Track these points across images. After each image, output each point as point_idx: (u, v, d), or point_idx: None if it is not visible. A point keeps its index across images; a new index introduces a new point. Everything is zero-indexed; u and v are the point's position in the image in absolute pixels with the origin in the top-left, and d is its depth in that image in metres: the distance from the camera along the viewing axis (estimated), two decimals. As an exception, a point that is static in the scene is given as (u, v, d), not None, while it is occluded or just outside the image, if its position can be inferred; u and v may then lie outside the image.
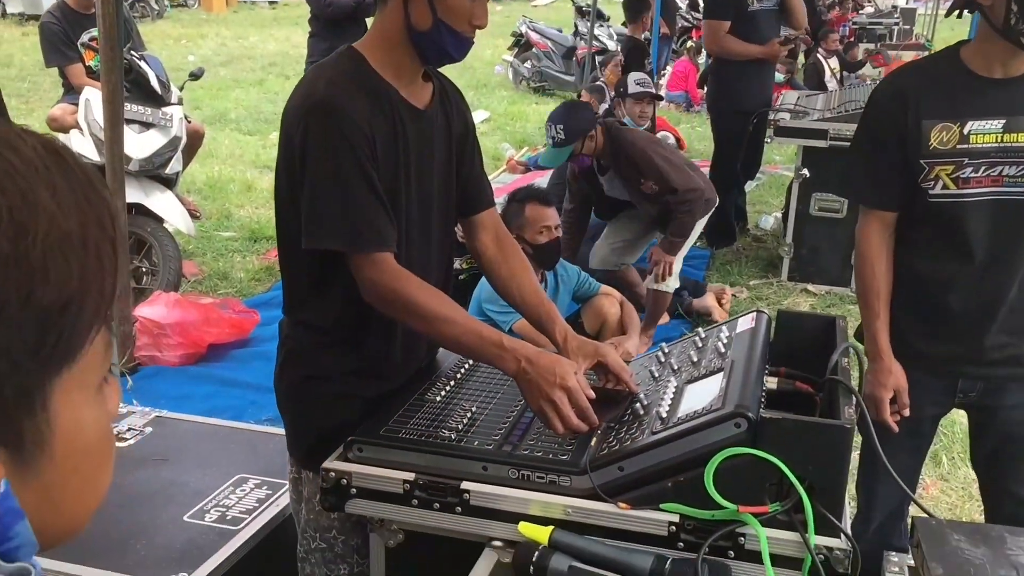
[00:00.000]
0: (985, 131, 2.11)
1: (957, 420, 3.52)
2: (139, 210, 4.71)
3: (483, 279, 3.99)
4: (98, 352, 0.55)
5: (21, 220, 0.48)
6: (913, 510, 2.43)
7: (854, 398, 1.66)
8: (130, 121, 4.53)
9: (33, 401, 0.51)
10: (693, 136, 9.96)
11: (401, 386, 1.98)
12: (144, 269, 4.81)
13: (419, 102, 1.88)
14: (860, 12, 15.35)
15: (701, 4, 14.98)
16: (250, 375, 4.14)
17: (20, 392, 0.50)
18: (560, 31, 13.85)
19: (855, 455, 2.83)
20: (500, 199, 5.70)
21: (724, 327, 2.02)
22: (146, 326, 4.22)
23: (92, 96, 4.64)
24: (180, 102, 5.06)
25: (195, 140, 5.41)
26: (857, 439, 1.81)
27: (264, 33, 19.74)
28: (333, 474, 1.74)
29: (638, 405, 1.77)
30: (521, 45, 13.48)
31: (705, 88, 9.52)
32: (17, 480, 0.52)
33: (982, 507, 2.54)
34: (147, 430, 2.55)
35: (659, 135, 8.56)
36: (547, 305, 2.05)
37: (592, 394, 1.74)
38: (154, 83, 4.79)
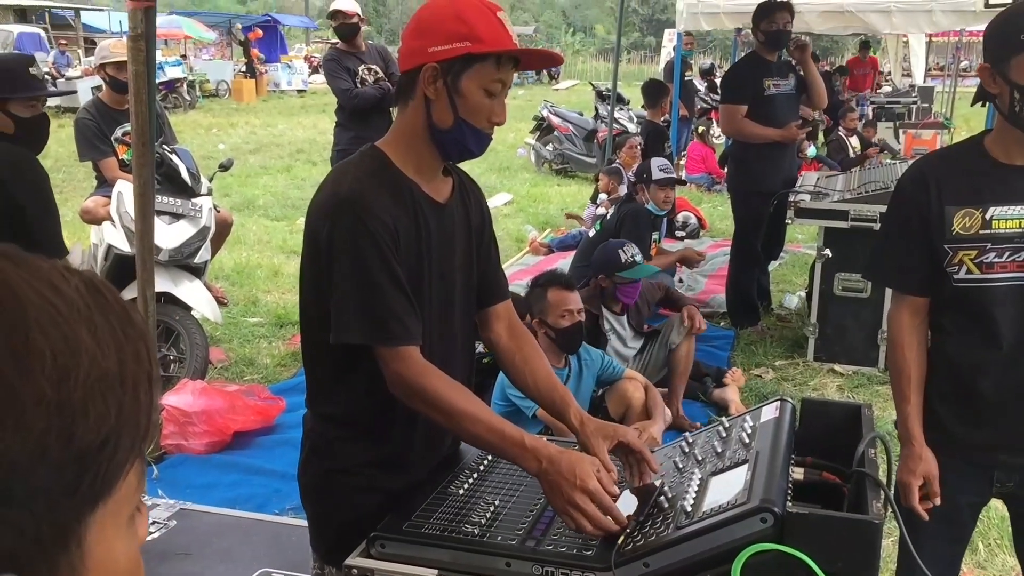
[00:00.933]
0: (1008, 217, 2.12)
1: (993, 505, 3.43)
2: (167, 299, 4.79)
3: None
4: (132, 485, 0.56)
5: (64, 363, 0.49)
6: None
7: (882, 492, 1.64)
8: (160, 212, 4.63)
9: (68, 538, 0.51)
10: (715, 216, 10.03)
11: (424, 478, 1.98)
12: (172, 357, 4.86)
13: (440, 196, 1.92)
14: (878, 91, 15.53)
15: (719, 87, 15.29)
16: (275, 463, 4.13)
17: (56, 530, 0.50)
18: (581, 114, 14.10)
19: (890, 542, 2.78)
20: (523, 281, 5.78)
21: (748, 416, 2.01)
22: (172, 414, 4.25)
23: (124, 189, 4.76)
24: (210, 193, 5.18)
25: (223, 229, 5.52)
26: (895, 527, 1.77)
27: (292, 121, 20.25)
28: (356, 571, 1.73)
29: (663, 498, 1.76)
30: (543, 128, 13.73)
31: (726, 168, 9.65)
32: None
33: (1022, 597, 2.47)
34: (171, 523, 2.55)
35: (680, 216, 8.65)
36: (560, 390, 2.06)
37: (616, 491, 1.73)
38: (184, 175, 4.92)
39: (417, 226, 1.85)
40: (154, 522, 2.54)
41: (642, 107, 9.09)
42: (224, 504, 3.68)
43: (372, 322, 1.78)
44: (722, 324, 6.35)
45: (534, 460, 1.75)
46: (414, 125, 1.86)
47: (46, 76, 19.64)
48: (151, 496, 2.80)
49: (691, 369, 4.89)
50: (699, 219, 9.41)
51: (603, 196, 8.77)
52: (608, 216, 5.94)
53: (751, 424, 1.95)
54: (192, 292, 4.89)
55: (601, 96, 14.11)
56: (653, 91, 7.50)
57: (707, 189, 11.73)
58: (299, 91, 28.14)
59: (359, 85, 6.04)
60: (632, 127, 11.83)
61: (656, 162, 5.99)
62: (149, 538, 2.45)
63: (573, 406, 2.00)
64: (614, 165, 9.04)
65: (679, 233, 8.59)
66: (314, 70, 30.32)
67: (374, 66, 6.16)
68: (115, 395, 0.52)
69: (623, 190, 8.81)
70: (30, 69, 3.22)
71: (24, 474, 0.47)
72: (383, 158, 1.87)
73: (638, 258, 4.76)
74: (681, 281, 7.33)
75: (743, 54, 12.72)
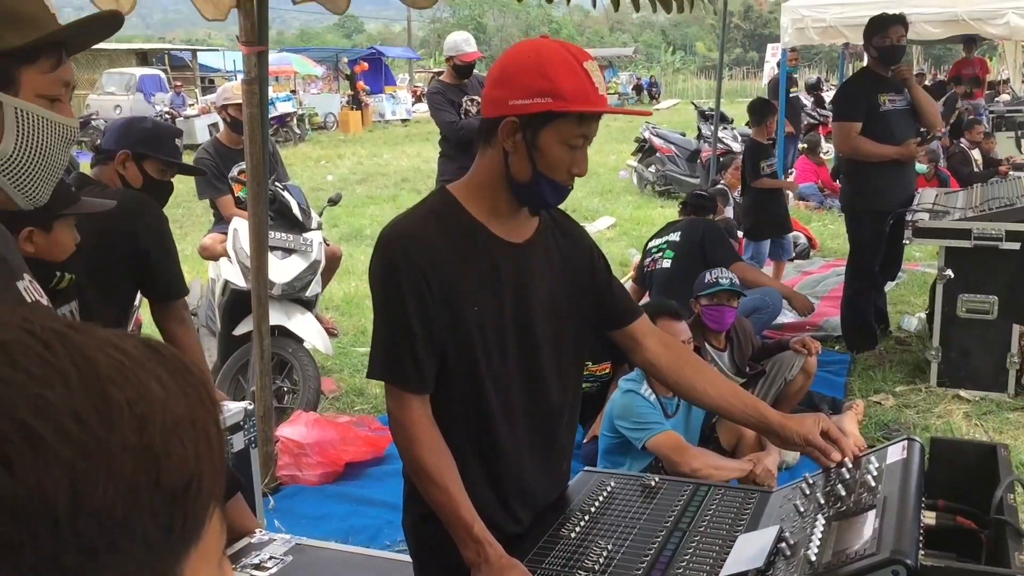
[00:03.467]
0: None
1: None
2: (281, 331, 4.91)
3: (615, 394, 3.96)
4: (216, 529, 0.58)
5: (140, 411, 0.52)
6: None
7: (1024, 542, 1.54)
8: (273, 248, 4.77)
9: None
10: (826, 234, 9.74)
11: (532, 521, 1.95)
12: (285, 389, 4.98)
13: (517, 237, 1.89)
14: (996, 100, 14.88)
15: (827, 102, 14.88)
16: (385, 494, 4.18)
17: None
18: (683, 135, 13.95)
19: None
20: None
21: (873, 457, 1.92)
22: (287, 446, 4.35)
23: (240, 226, 4.92)
24: (320, 227, 5.31)
25: (333, 262, 5.65)
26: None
27: (397, 150, 20.68)
28: (468, 617, 1.72)
29: (784, 544, 1.69)
30: (644, 150, 13.62)
31: (838, 182, 9.34)
32: None
33: None
34: (287, 559, 2.59)
35: (790, 235, 8.41)
36: (747, 395, 2.03)
37: None
38: (296, 211, 5.06)
39: (485, 268, 1.83)
40: (271, 557, 2.59)
41: (747, 125, 8.92)
42: (338, 535, 3.74)
43: (385, 359, 1.82)
44: (837, 348, 6.13)
45: (473, 552, 1.75)
46: (491, 172, 1.84)
47: (165, 115, 20.68)
48: (268, 529, 2.85)
49: (804, 398, 4.73)
50: (809, 239, 9.15)
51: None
52: (678, 241, 5.57)
53: (876, 465, 1.86)
54: (304, 325, 5.01)
55: (704, 116, 13.93)
56: (758, 110, 7.35)
57: (817, 206, 11.42)
58: (403, 120, 28.76)
59: (463, 116, 6.11)
60: (736, 146, 11.62)
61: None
62: (266, 574, 2.50)
63: (768, 408, 1.98)
64: (719, 186, 8.89)
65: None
66: (417, 99, 30.96)
67: (476, 97, 6.22)
68: (191, 438, 0.54)
69: (729, 212, 8.65)
70: (176, 139, 3.42)
71: (123, 520, 0.50)
72: (451, 200, 1.87)
73: (723, 280, 4.60)
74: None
75: (851, 67, 12.41)
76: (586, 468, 2.34)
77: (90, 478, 0.48)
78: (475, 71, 6.41)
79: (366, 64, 29.68)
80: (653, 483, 2.11)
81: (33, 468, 0.47)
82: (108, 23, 1.36)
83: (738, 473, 3.57)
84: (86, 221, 2.61)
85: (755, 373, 4.72)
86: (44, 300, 1.41)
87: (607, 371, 4.64)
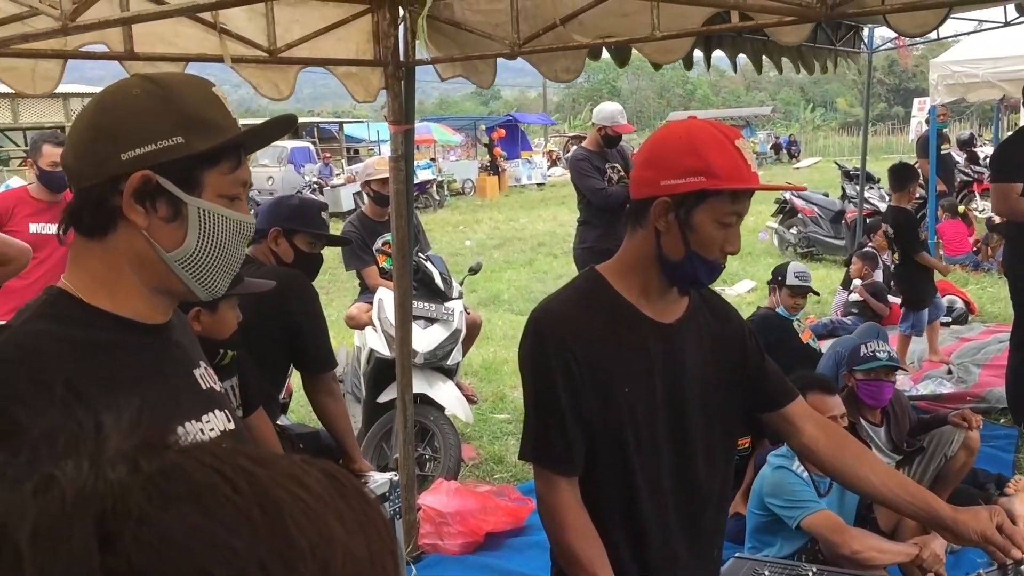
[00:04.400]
0: None
1: None
2: (422, 399, 5.00)
3: (764, 470, 3.81)
4: None
5: (322, 555, 0.51)
6: None
7: None
8: (417, 317, 4.88)
9: None
10: (984, 298, 9.23)
11: None
12: (427, 456, 5.04)
13: (667, 317, 1.88)
14: None
15: (981, 158, 14.21)
16: (525, 566, 4.14)
17: None
18: (826, 195, 13.57)
19: None
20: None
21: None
22: (429, 514, 4.38)
23: (385, 296, 5.06)
24: (460, 296, 5.41)
25: (473, 330, 5.73)
26: None
27: (533, 214, 20.95)
28: None
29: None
30: (785, 211, 13.32)
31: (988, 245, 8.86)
32: None
33: None
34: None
35: (945, 299, 7.99)
36: (913, 485, 1.94)
37: None
38: (438, 281, 5.18)
39: (636, 349, 1.82)
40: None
41: (888, 191, 8.60)
42: (478, 608, 3.73)
43: (535, 441, 1.82)
44: (1002, 421, 5.75)
45: None
46: (642, 253, 1.83)
47: (313, 184, 21.69)
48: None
49: (968, 476, 4.44)
50: (967, 303, 8.69)
51: (856, 282, 8.32)
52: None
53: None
54: (445, 393, 5.08)
55: (848, 175, 13.54)
56: (901, 175, 7.01)
57: (973, 269, 10.84)
58: (538, 184, 29.18)
59: (608, 184, 6.16)
60: (883, 206, 11.21)
61: (794, 267, 5.64)
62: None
63: (938, 500, 1.90)
64: (867, 248, 8.57)
65: (945, 319, 7.91)
66: (552, 164, 31.39)
67: (616, 164, 6.27)
68: (372, 574, 0.53)
69: (878, 275, 8.32)
70: (322, 213, 3.56)
71: None
72: (601, 281, 1.87)
73: (881, 354, 4.39)
74: (950, 372, 6.75)
75: (1006, 120, 11.86)
76: (738, 555, 2.26)
77: None
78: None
79: (503, 131, 30.38)
80: (811, 574, 2.01)
81: None
82: (283, 125, 1.44)
83: (903, 558, 3.36)
84: (245, 300, 2.75)
85: (913, 450, 4.46)
86: (218, 387, 1.47)
87: (747, 446, 4.50)
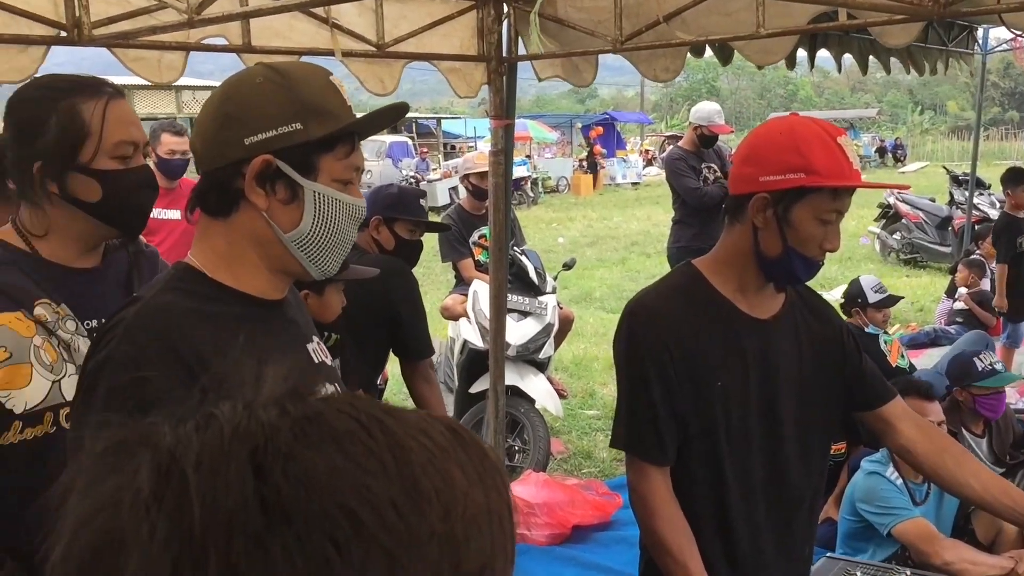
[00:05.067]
0: None
1: None
2: (514, 391, 5.07)
3: (857, 475, 3.75)
4: None
5: (445, 501, 0.55)
6: None
7: None
8: (510, 310, 4.95)
9: None
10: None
11: None
12: (516, 448, 5.11)
13: (763, 313, 1.88)
14: None
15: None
16: (612, 560, 4.17)
17: None
18: (932, 200, 13.14)
19: None
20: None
21: None
22: (517, 505, 4.44)
23: (480, 288, 5.15)
24: (554, 291, 5.46)
25: (565, 325, 5.77)
26: None
27: (627, 213, 20.86)
28: None
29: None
30: (889, 216, 12.95)
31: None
32: None
33: None
34: (519, 619, 2.64)
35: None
36: (1020, 494, 1.90)
37: None
38: (532, 276, 5.24)
39: (730, 344, 1.83)
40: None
41: (999, 197, 8.27)
42: (563, 599, 3.77)
43: (628, 430, 1.84)
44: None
45: None
46: (740, 248, 1.84)
47: (410, 179, 22.04)
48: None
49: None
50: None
51: (962, 290, 8.05)
52: None
53: None
54: (536, 386, 5.14)
55: (957, 180, 13.08)
56: (1014, 180, 6.76)
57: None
58: (633, 184, 29.01)
59: (703, 184, 6.12)
60: (995, 213, 10.80)
61: (867, 283, 5.43)
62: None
63: None
64: (975, 256, 8.29)
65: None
66: (648, 163, 31.15)
67: (713, 164, 6.22)
68: (487, 525, 0.57)
69: (986, 284, 8.04)
70: (420, 200, 3.66)
71: None
72: (697, 276, 1.88)
73: (998, 366, 4.26)
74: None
75: None
76: (829, 555, 2.25)
77: (403, 564, 0.52)
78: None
79: (601, 129, 30.31)
80: (905, 577, 1.99)
81: (358, 552, 0.51)
82: (395, 112, 1.51)
83: (997, 571, 3.27)
84: (349, 285, 2.85)
85: (1016, 463, 4.33)
86: (329, 361, 1.55)
87: (842, 451, 4.43)
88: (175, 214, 4.89)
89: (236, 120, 1.33)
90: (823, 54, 5.47)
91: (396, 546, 0.52)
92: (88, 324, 1.74)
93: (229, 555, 0.49)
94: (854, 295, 5.48)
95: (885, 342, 5.34)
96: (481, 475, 0.59)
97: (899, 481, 3.55)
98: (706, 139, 6.26)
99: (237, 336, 1.34)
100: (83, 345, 1.69)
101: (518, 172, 22.41)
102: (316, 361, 1.50)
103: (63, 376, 1.68)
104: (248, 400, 0.57)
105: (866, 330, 5.34)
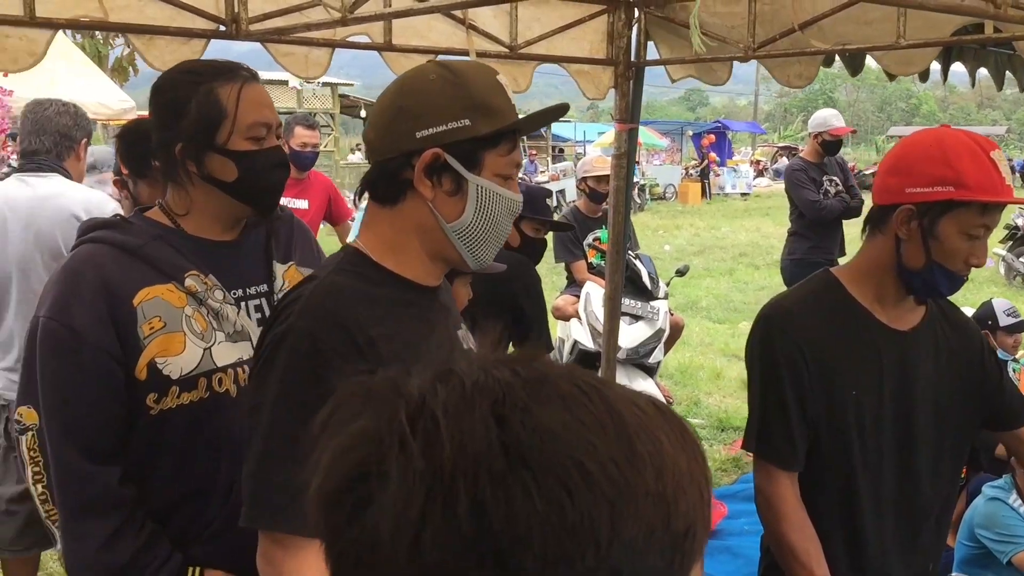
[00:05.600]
0: None
1: None
2: (622, 394, 5.08)
3: (978, 500, 3.64)
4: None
5: (657, 463, 0.60)
6: None
7: None
8: (622, 313, 4.96)
9: None
10: None
11: None
12: (621, 450, 5.12)
13: (902, 325, 1.87)
14: None
15: None
16: (715, 569, 4.15)
17: None
18: (1066, 222, 12.54)
19: None
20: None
21: None
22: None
23: (592, 290, 5.19)
24: (666, 296, 5.45)
25: (675, 332, 5.76)
26: None
27: (735, 224, 20.54)
28: None
29: None
30: (1016, 238, 12.41)
31: None
32: None
33: None
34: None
35: None
36: None
37: None
38: (645, 280, 5.25)
39: (867, 354, 1.83)
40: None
41: None
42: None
43: (758, 433, 1.86)
44: None
45: None
46: (880, 258, 1.83)
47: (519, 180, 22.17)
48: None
49: None
50: None
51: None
52: None
53: None
54: (645, 390, 5.13)
55: (1091, 203, 12.44)
56: None
57: None
58: (743, 194, 28.54)
59: (823, 196, 6.02)
60: None
61: (999, 306, 5.16)
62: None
63: None
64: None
65: None
66: (759, 173, 30.59)
67: (835, 178, 6.11)
68: (692, 490, 0.61)
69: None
70: (546, 199, 3.73)
71: (642, 553, 0.58)
72: (835, 283, 1.88)
73: None
74: None
75: None
76: (954, 574, 2.21)
77: (623, 514, 0.58)
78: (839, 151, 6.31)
79: (712, 137, 29.93)
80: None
81: (586, 499, 0.57)
82: (556, 112, 1.58)
83: None
84: (475, 278, 2.93)
85: None
86: (474, 347, 1.63)
87: (962, 476, 4.29)
88: (303, 204, 5.09)
89: (409, 113, 1.41)
90: (957, 67, 5.31)
91: (618, 498, 0.58)
92: (234, 293, 1.83)
93: (475, 490, 0.56)
94: (984, 317, 5.30)
95: (1014, 369, 5.15)
96: (683, 444, 0.64)
97: (1022, 508, 3.44)
98: (828, 145, 6.15)
99: (399, 318, 1.42)
100: (231, 313, 1.79)
101: (626, 177, 22.31)
102: (465, 348, 1.58)
103: (213, 343, 1.77)
104: (480, 360, 0.64)
105: (995, 351, 5.15)
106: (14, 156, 8.21)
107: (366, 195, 1.50)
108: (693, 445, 0.65)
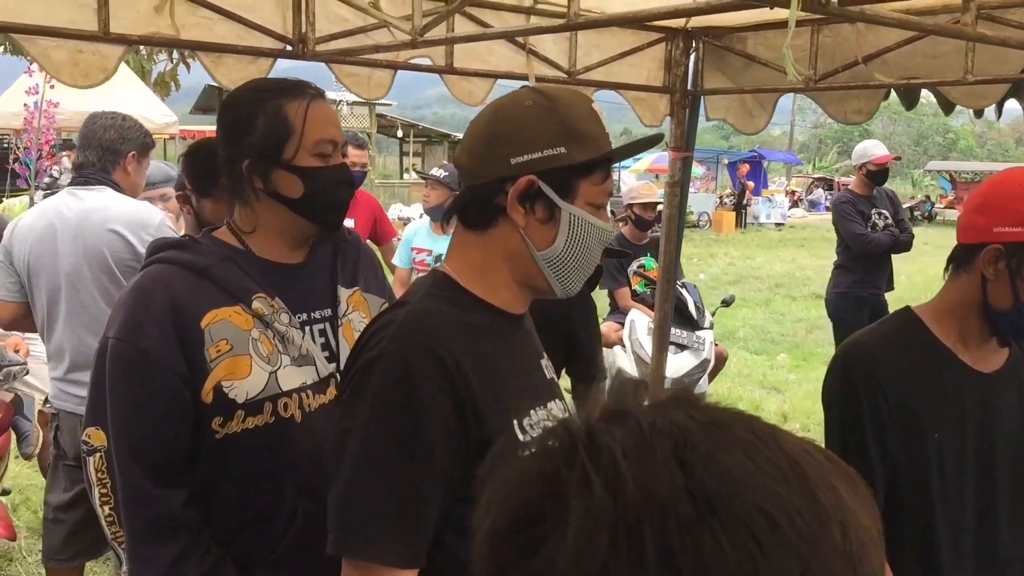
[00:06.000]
0: None
1: None
2: (665, 424, 5.03)
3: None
4: None
5: (841, 518, 0.57)
6: None
7: None
8: (669, 342, 4.93)
9: None
10: None
11: None
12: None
13: (985, 367, 1.82)
14: None
15: None
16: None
17: None
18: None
19: None
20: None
21: None
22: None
23: (637, 318, 5.16)
24: (711, 327, 5.41)
25: (719, 363, 5.70)
26: None
27: (770, 254, 20.40)
28: None
29: None
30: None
31: None
32: None
33: None
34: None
35: None
36: None
37: None
38: (691, 309, 5.21)
39: (949, 395, 1.78)
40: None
41: None
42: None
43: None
44: None
45: None
46: (965, 298, 1.79)
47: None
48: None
49: None
50: None
51: None
52: None
53: None
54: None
55: None
56: None
57: None
58: (777, 224, 28.38)
59: (871, 230, 5.96)
60: None
61: None
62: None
63: None
64: None
65: None
66: (794, 204, 30.43)
67: (884, 211, 6.05)
68: (876, 548, 0.58)
69: None
70: None
71: None
72: (917, 322, 1.84)
73: None
74: None
75: None
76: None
77: (813, 569, 0.54)
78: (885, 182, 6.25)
79: (748, 166, 29.83)
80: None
81: (777, 551, 0.54)
82: (651, 142, 1.56)
83: None
84: (533, 303, 2.91)
85: None
86: (556, 379, 1.60)
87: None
88: (349, 223, 5.10)
89: (504, 139, 1.39)
90: (1011, 103, 5.25)
91: (806, 551, 0.54)
92: (299, 317, 1.82)
93: (664, 537, 0.53)
94: None
95: None
96: (859, 496, 0.61)
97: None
98: (874, 175, 6.10)
99: (488, 345, 1.40)
100: (296, 337, 1.77)
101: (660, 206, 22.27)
102: (548, 377, 1.55)
103: (279, 367, 1.75)
104: (652, 401, 0.61)
105: None
106: (55, 168, 8.34)
107: (454, 220, 1.49)
108: (867, 497, 0.62)
